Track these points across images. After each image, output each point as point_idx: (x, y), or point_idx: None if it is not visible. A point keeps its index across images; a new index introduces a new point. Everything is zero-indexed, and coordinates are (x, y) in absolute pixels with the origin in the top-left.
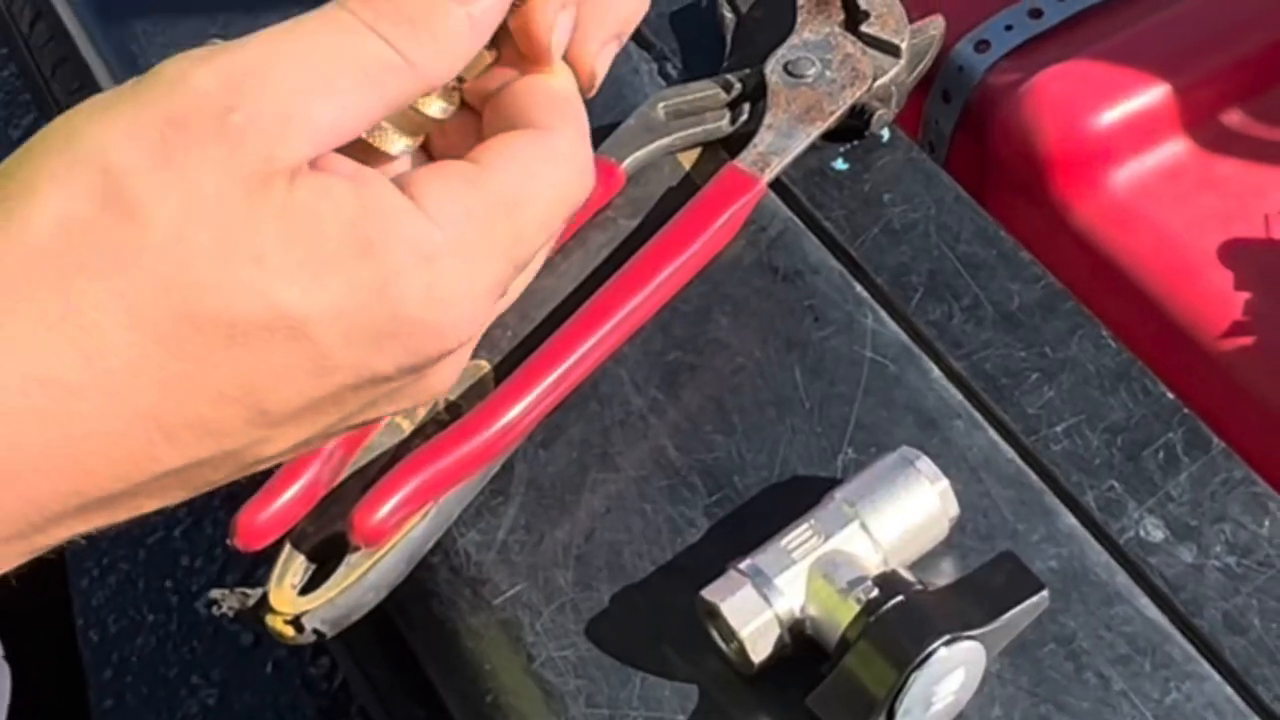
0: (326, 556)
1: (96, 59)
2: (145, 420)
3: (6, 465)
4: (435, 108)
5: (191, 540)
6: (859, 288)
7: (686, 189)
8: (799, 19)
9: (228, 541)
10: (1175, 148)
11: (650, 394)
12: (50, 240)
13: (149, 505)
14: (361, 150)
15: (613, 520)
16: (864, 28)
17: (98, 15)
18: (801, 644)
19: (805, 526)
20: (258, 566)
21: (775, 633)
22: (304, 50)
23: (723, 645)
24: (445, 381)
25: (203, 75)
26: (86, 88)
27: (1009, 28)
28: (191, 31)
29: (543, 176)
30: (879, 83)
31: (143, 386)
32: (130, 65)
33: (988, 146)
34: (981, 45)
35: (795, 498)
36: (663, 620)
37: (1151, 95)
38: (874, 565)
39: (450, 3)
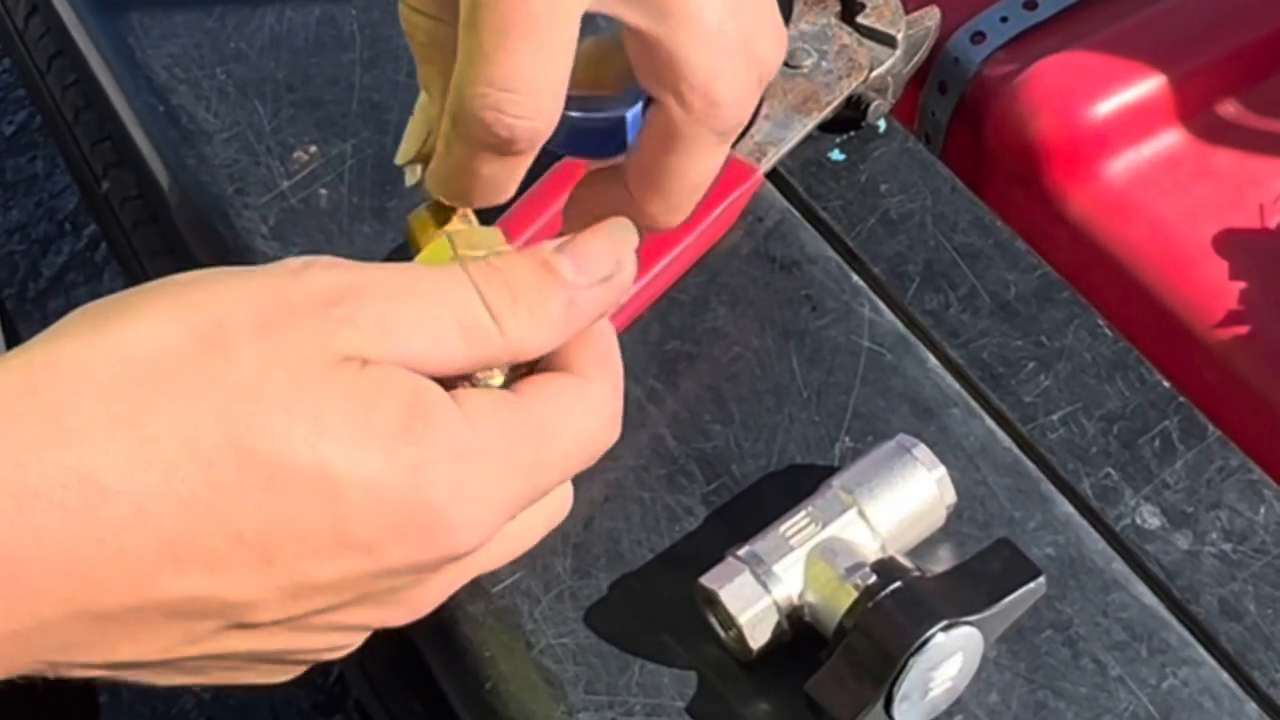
0: None
1: (94, 52)
2: (160, 541)
3: (20, 554)
4: (498, 379)
5: None
6: (856, 277)
7: None
8: (795, 10)
9: None
10: (1171, 138)
11: (648, 383)
12: (142, 355)
13: (127, 648)
14: None
15: (611, 508)
16: (860, 19)
17: (94, 9)
18: (800, 630)
19: (803, 514)
20: None
21: (774, 619)
22: (414, 288)
23: (721, 632)
24: (438, 593)
25: (321, 275)
26: (82, 81)
27: (1004, 19)
28: (188, 25)
29: (574, 415)
30: (875, 74)
31: (170, 508)
32: (127, 59)
33: (983, 137)
34: (977, 36)
35: (793, 486)
36: (661, 607)
37: (1147, 86)
38: (872, 552)
39: (556, 287)
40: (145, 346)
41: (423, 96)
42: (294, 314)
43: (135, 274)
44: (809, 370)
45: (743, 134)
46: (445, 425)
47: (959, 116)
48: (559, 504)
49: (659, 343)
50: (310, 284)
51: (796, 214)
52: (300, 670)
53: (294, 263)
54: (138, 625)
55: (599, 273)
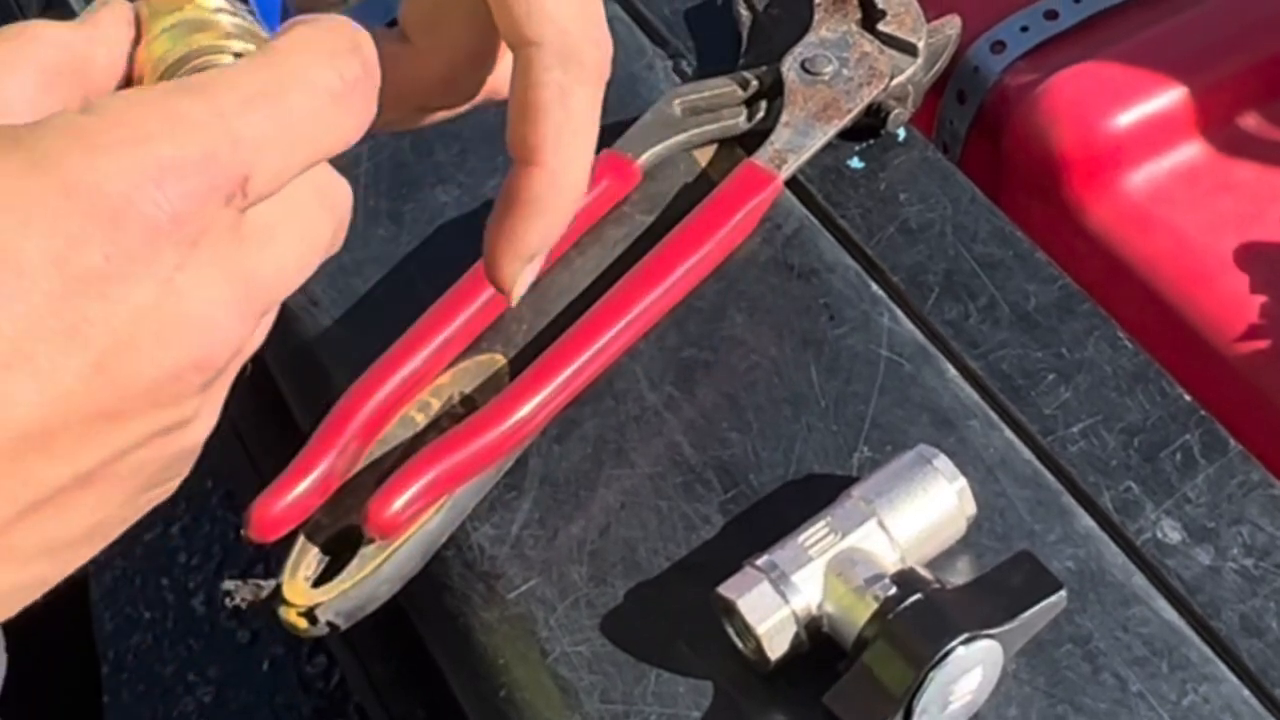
0: (340, 549)
1: None
2: None
3: None
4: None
5: (189, 537)
6: (875, 286)
7: (703, 185)
8: (816, 17)
9: (241, 532)
10: (1192, 150)
11: (665, 390)
12: None
13: None
14: None
15: (628, 516)
16: (881, 26)
17: None
18: (818, 641)
19: (822, 524)
20: (255, 564)
21: (792, 630)
22: None
23: (739, 642)
24: (195, 301)
25: None
26: None
27: (1025, 29)
28: None
29: (256, 63)
30: (896, 82)
31: None
32: None
33: (1003, 147)
34: (997, 46)
35: (811, 495)
36: (678, 616)
37: (1168, 97)
38: (891, 563)
39: None
40: None
41: None
42: None
43: None
44: (827, 379)
45: (762, 140)
46: (54, 118)
47: (978, 126)
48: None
49: (676, 350)
50: None
51: (815, 222)
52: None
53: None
54: None
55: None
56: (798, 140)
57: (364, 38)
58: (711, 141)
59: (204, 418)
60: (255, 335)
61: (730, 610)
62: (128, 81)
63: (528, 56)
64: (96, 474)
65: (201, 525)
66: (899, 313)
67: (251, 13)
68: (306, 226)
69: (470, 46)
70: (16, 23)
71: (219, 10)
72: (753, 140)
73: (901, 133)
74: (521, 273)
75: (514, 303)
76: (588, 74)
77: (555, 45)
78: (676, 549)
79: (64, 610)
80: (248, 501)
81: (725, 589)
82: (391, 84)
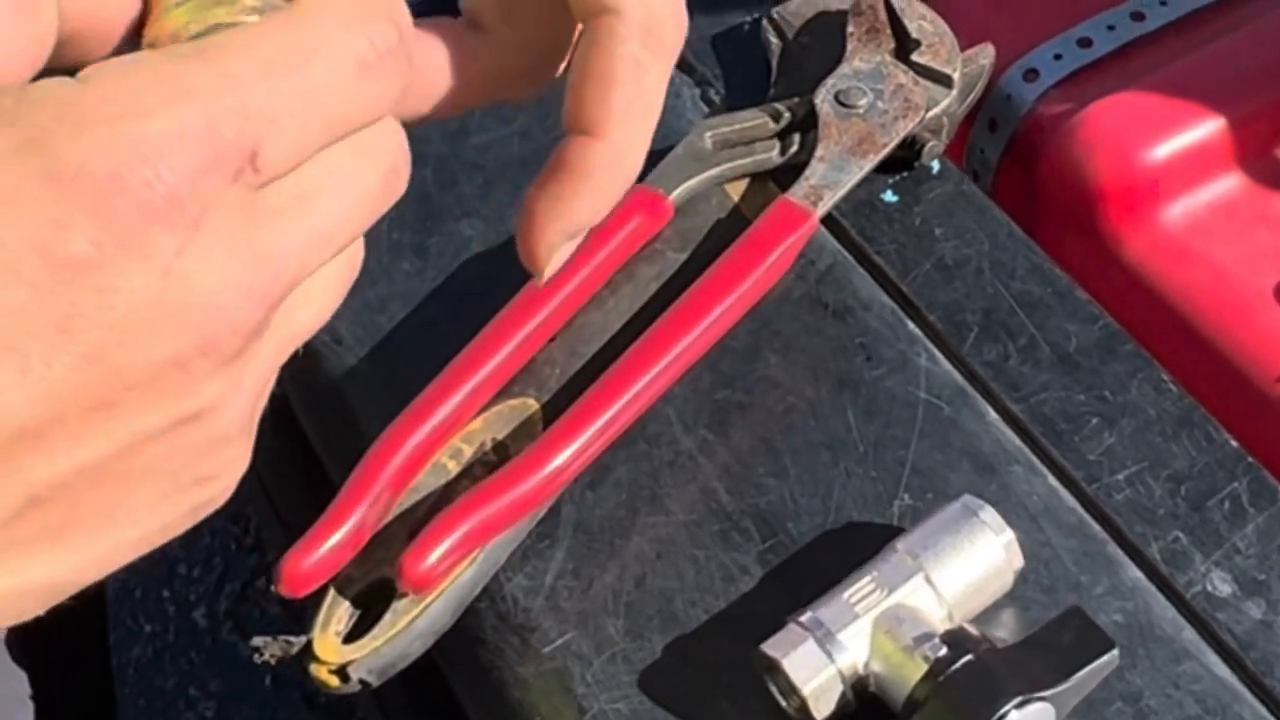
0: (372, 602)
1: None
2: None
3: None
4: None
5: (190, 548)
6: (911, 325)
7: (736, 222)
8: (849, 47)
9: (272, 588)
10: (1230, 182)
11: (699, 434)
12: None
13: None
14: None
15: (664, 566)
16: (915, 56)
17: None
18: (865, 701)
19: (868, 579)
20: (256, 576)
21: (838, 689)
22: None
23: (782, 701)
24: (197, 286)
25: None
26: None
27: (1058, 56)
28: None
29: (275, 24)
30: (931, 114)
31: None
32: None
33: (1036, 178)
34: (1030, 74)
35: (851, 545)
36: (718, 672)
37: (1206, 128)
38: (939, 620)
39: None
40: None
41: None
42: None
43: None
44: (865, 422)
45: (795, 174)
46: (42, 86)
47: (1010, 155)
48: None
49: (709, 391)
50: None
51: (849, 257)
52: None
53: None
54: None
55: None
56: (833, 176)
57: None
58: (744, 176)
59: (232, 406)
60: (286, 320)
61: (774, 668)
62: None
63: (606, 25)
64: (106, 469)
65: (202, 537)
66: (937, 353)
67: None
68: (341, 185)
69: (551, 31)
70: None
71: None
72: (786, 174)
73: (935, 165)
74: (559, 249)
75: (544, 283)
76: (665, 51)
77: (637, 16)
78: (715, 601)
79: (81, 630)
80: (267, 536)
81: (769, 647)
82: (464, 76)
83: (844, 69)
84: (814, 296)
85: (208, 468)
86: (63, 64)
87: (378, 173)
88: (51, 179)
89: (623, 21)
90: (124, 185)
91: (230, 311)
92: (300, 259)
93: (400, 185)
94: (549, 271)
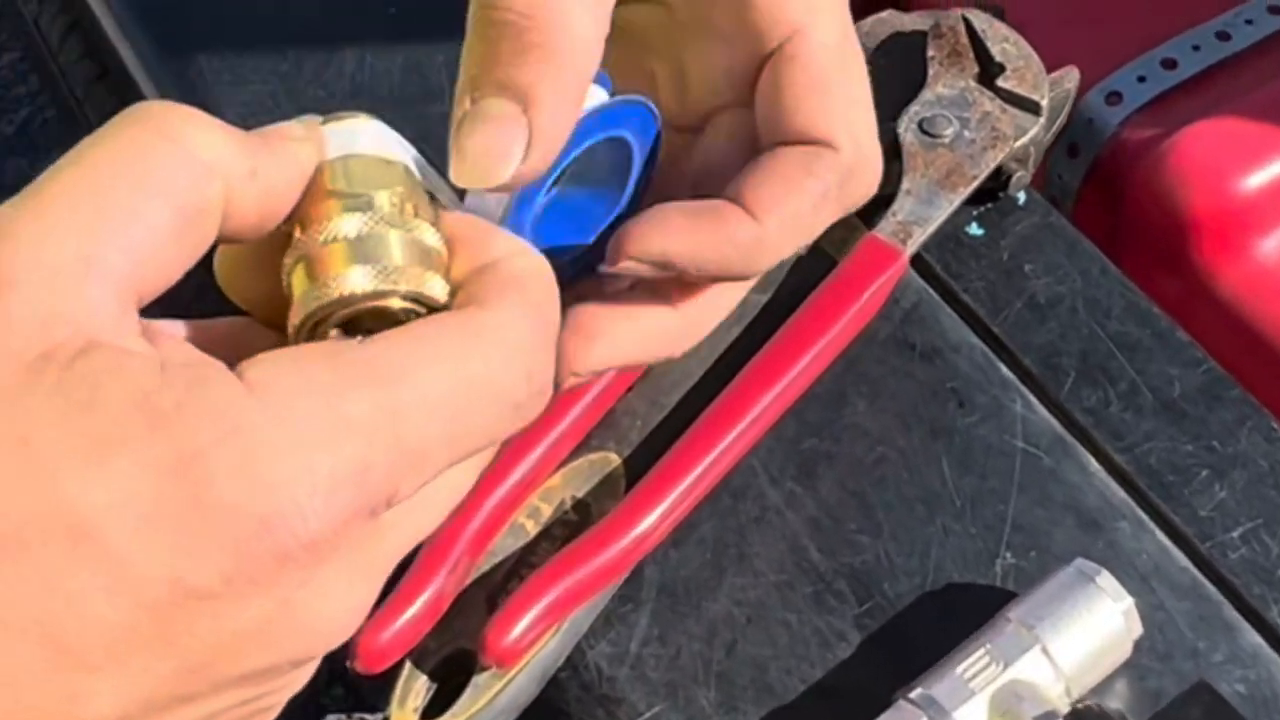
0: (450, 675)
1: (154, 96)
2: None
3: None
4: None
5: None
6: (1004, 369)
7: (818, 259)
8: (930, 71)
9: (346, 664)
10: None
11: (787, 486)
12: None
13: None
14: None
15: (755, 632)
16: (1000, 82)
17: (154, 46)
18: None
19: (981, 652)
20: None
21: None
22: (64, 179)
23: None
24: (313, 615)
25: None
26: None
27: (1142, 79)
28: (260, 70)
29: (444, 349)
30: (1019, 143)
31: None
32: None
33: (1121, 207)
34: (1113, 97)
35: (952, 608)
36: None
37: None
38: (1056, 695)
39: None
40: None
41: None
42: None
43: None
44: (960, 474)
45: (878, 208)
46: (208, 396)
47: (1091, 182)
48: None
49: (795, 440)
50: None
51: (935, 295)
52: None
53: None
54: None
55: (293, 133)
56: (921, 210)
57: (555, 308)
58: None
59: (294, 686)
60: None
61: None
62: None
63: (815, 151)
64: None
65: None
66: (1032, 399)
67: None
68: (455, 491)
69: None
70: (158, 108)
71: (405, 197)
72: (867, 208)
73: (1021, 195)
74: (647, 274)
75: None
76: (852, 201)
77: (847, 158)
78: (811, 670)
79: None
80: None
81: None
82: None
83: (926, 95)
84: (900, 338)
85: (272, 708)
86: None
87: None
88: (198, 507)
89: (835, 156)
90: (270, 530)
91: (337, 628)
92: (408, 546)
93: (525, 419)
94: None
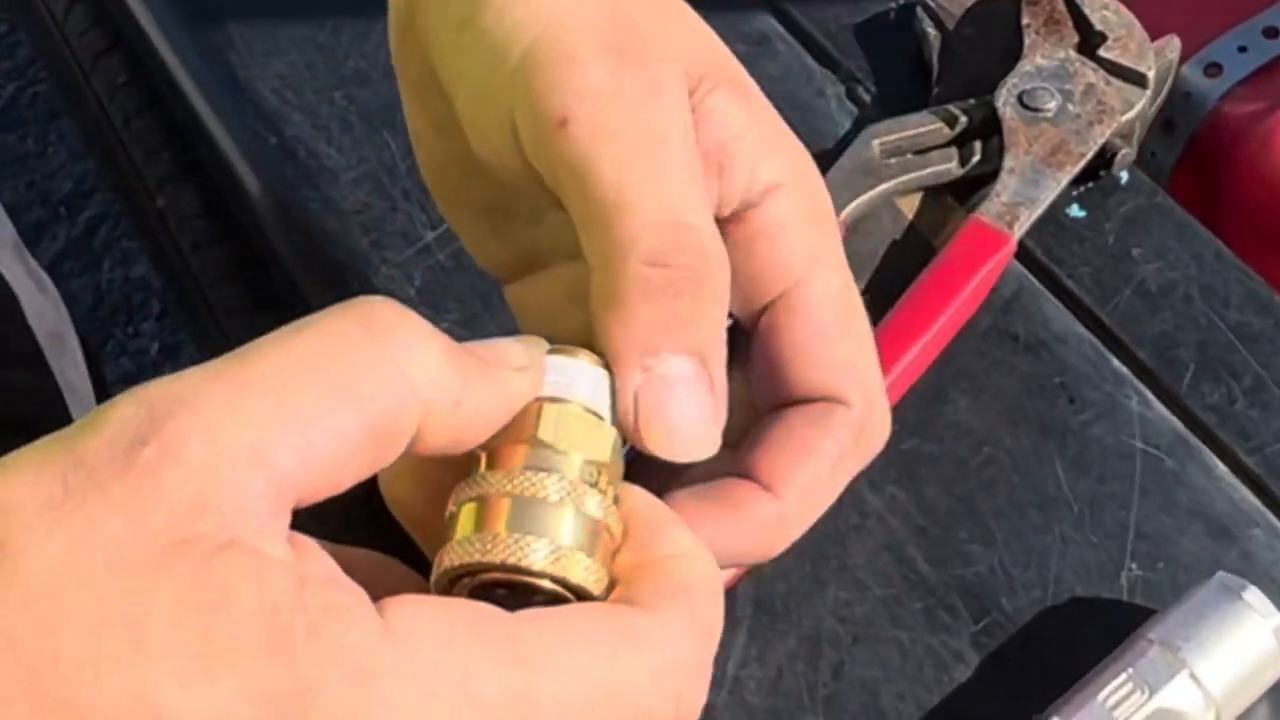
0: None
1: (180, 68)
2: None
3: None
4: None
5: None
6: (1116, 362)
7: (915, 242)
8: (1026, 40)
9: None
10: None
11: (887, 491)
12: None
13: None
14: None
15: (863, 652)
16: (1102, 52)
17: (179, 15)
18: None
19: (1123, 677)
20: None
21: None
22: (266, 364)
23: None
24: None
25: (122, 405)
26: (162, 95)
27: (1242, 49)
28: (295, 39)
29: (594, 648)
30: (1125, 118)
31: None
32: (224, 78)
33: (1222, 188)
34: (1212, 69)
35: (1078, 625)
36: None
37: None
38: None
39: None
40: None
41: None
42: (86, 474)
43: (201, 321)
44: (1076, 478)
45: (973, 187)
46: (340, 631)
47: (1188, 159)
48: None
49: (893, 441)
50: (107, 423)
51: (1035, 282)
52: None
53: (102, 405)
54: None
55: (513, 360)
56: (1026, 191)
57: (719, 625)
58: (918, 189)
59: None
60: None
61: None
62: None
63: (826, 408)
64: None
65: None
66: (1149, 395)
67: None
68: None
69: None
70: (378, 305)
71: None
72: (963, 187)
73: (1124, 175)
74: None
75: None
76: (868, 453)
77: (859, 412)
78: (927, 694)
79: None
80: None
81: None
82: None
83: (1025, 66)
84: (1000, 327)
85: None
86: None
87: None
88: None
89: (847, 413)
90: None
91: None
92: None
93: None
94: None
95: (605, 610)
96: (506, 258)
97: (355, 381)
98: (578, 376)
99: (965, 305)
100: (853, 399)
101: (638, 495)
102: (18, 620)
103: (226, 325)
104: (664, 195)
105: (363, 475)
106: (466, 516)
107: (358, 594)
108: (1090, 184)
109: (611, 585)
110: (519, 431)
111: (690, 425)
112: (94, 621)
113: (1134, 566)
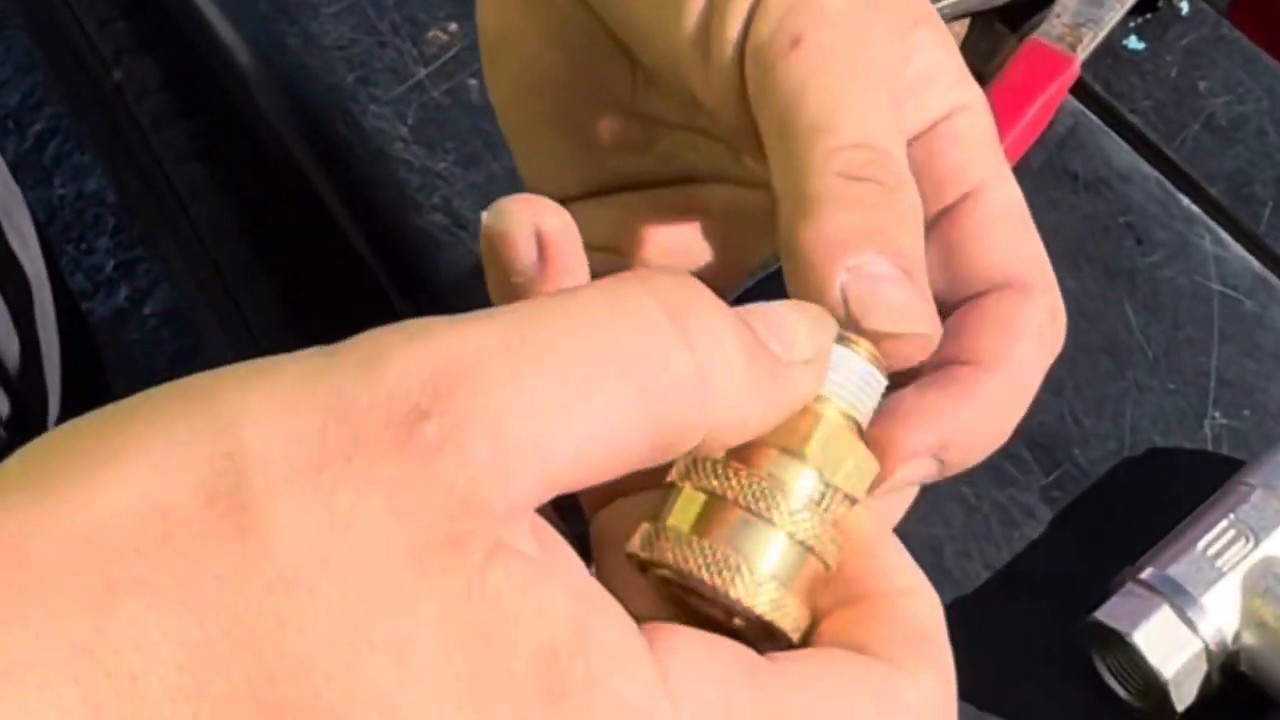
0: None
1: None
2: None
3: None
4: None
5: None
6: (1186, 201)
7: None
8: None
9: None
10: None
11: None
12: (110, 532)
13: None
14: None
15: (925, 510)
16: None
17: None
18: (1233, 685)
19: (1224, 523)
20: None
21: (1202, 670)
22: (561, 341)
23: (1117, 687)
24: None
25: (402, 360)
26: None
27: None
28: None
29: (856, 713)
30: None
31: None
32: None
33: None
34: None
35: (1159, 477)
36: (1012, 647)
37: None
38: None
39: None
40: (117, 512)
41: None
42: (354, 441)
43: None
44: (1149, 322)
45: (1025, 14)
46: (622, 685)
47: None
48: None
49: None
50: (382, 381)
51: (1094, 118)
52: None
53: (365, 343)
54: None
55: (801, 352)
56: (1088, 11)
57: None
58: (965, 14)
59: None
60: None
61: (1111, 644)
62: None
63: (1019, 294)
64: None
65: None
66: (1223, 234)
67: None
68: None
69: None
70: (687, 291)
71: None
72: (1014, 15)
73: (1185, 4)
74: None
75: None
76: (1057, 342)
77: (1050, 297)
78: (996, 552)
79: None
80: None
81: (1110, 617)
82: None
83: None
84: (1058, 165)
85: None
86: None
87: None
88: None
89: (1040, 295)
90: None
91: None
92: None
93: None
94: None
95: (862, 668)
96: (578, 180)
97: (653, 384)
98: (857, 379)
99: (1024, 134)
100: (1042, 283)
101: (864, 518)
102: (261, 609)
103: (193, 211)
104: (869, 123)
105: (617, 474)
106: (689, 504)
107: (629, 627)
108: (1149, 15)
109: (815, 624)
110: (783, 436)
111: (906, 303)
112: (350, 629)
113: (1217, 415)
